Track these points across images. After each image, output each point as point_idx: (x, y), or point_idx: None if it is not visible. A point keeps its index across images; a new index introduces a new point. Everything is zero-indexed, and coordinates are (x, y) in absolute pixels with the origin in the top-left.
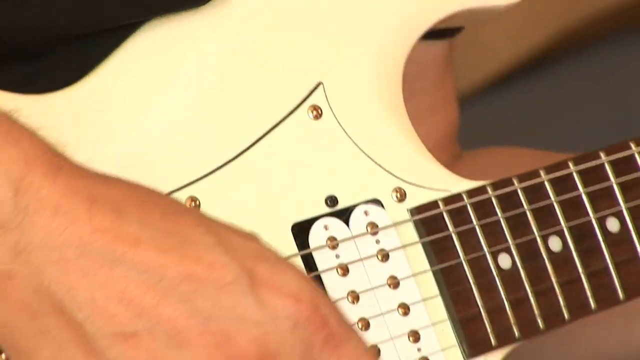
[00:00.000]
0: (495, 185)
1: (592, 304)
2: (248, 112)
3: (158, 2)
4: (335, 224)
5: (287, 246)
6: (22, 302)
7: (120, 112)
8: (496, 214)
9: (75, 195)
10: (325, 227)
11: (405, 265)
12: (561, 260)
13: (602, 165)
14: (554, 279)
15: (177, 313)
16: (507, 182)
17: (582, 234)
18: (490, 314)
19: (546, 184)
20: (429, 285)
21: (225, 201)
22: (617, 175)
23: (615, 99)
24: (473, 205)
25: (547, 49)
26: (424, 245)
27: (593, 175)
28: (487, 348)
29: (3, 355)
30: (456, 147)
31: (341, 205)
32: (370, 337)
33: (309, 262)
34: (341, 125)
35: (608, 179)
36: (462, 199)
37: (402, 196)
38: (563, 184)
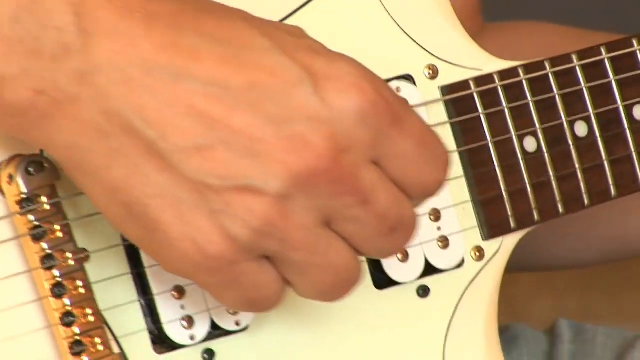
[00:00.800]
0: (527, 68)
1: (613, 191)
2: None
3: None
4: None
5: None
6: (92, 123)
7: None
8: (526, 97)
9: (132, 14)
10: None
11: None
12: (586, 146)
13: (635, 53)
14: (577, 164)
15: (249, 121)
16: (539, 65)
17: (609, 121)
18: (512, 197)
19: (577, 69)
20: (454, 166)
21: None
22: None
23: None
24: (504, 87)
25: None
26: (453, 125)
27: (624, 62)
28: (506, 230)
29: None
30: (479, 18)
31: None
32: None
33: None
34: None
35: (639, 67)
36: (494, 80)
37: (434, 73)
38: (594, 70)
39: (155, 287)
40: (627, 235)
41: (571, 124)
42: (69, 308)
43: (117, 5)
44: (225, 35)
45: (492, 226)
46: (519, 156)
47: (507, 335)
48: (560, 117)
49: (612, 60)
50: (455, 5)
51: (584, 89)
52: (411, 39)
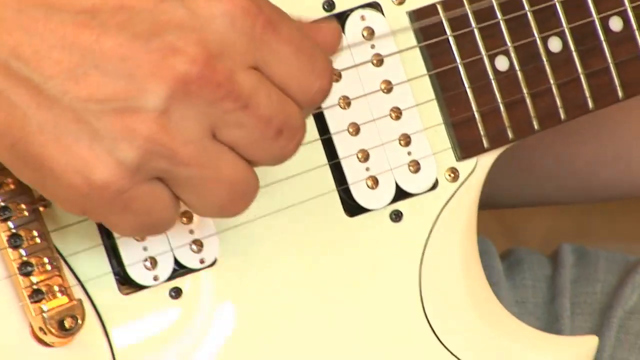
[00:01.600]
0: None
1: (590, 103)
2: None
3: None
4: None
5: None
6: None
7: None
8: (496, 16)
9: None
10: None
11: (400, 71)
12: (561, 60)
13: None
14: (552, 80)
15: (118, 41)
16: None
17: (584, 35)
18: (485, 117)
19: None
20: (424, 90)
21: None
22: None
23: None
24: (474, 10)
25: None
26: (421, 50)
27: None
28: (480, 150)
29: None
30: None
31: (338, 9)
32: (360, 141)
33: None
34: None
35: None
36: (462, 4)
37: None
38: None
39: None
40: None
41: (544, 40)
42: (26, 258)
43: None
44: None
45: (465, 147)
46: (490, 76)
47: (511, 259)
48: (533, 34)
49: None
50: None
51: (557, 4)
52: None
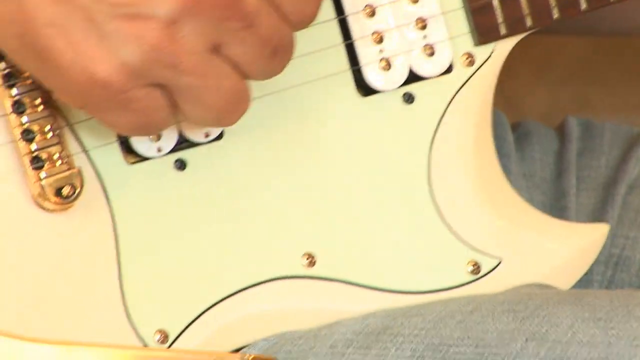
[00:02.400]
0: None
1: None
2: None
3: None
4: None
5: None
6: None
7: None
8: None
9: None
10: None
11: None
12: None
13: None
14: None
15: None
16: None
17: None
18: (503, 3)
19: None
20: None
21: None
22: None
23: None
24: None
25: None
26: None
27: None
28: (497, 36)
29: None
30: None
31: None
32: (375, 23)
33: None
34: None
35: None
36: None
37: None
38: None
39: None
40: None
41: None
42: (28, 125)
43: None
44: None
45: (483, 32)
46: None
47: (519, 132)
48: None
49: None
50: None
51: None
52: None
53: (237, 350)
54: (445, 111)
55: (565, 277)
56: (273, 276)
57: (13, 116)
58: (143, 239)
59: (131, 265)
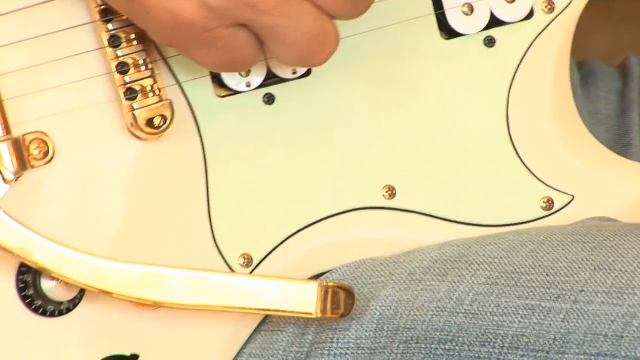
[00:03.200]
0: None
1: None
2: None
3: None
4: None
5: None
6: None
7: None
8: None
9: None
10: None
11: None
12: None
13: None
14: None
15: None
16: None
17: None
18: None
19: None
20: None
21: None
22: None
23: None
24: None
25: None
26: None
27: None
28: None
29: None
30: None
31: None
32: None
33: None
34: None
35: None
36: None
37: None
38: None
39: None
40: None
41: None
42: (123, 58)
43: None
44: None
45: None
46: None
47: (584, 71)
48: None
49: None
50: None
51: None
52: None
53: (317, 276)
54: (524, 55)
55: (634, 214)
56: (354, 206)
57: (109, 49)
58: (231, 168)
59: (219, 192)
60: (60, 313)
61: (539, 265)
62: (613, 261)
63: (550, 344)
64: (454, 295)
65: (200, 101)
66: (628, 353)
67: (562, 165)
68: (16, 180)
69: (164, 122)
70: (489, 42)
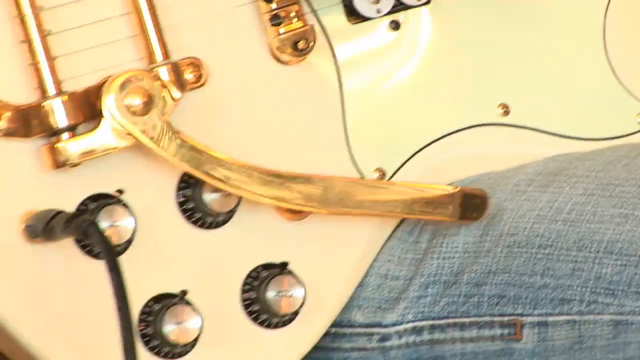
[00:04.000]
0: None
1: None
2: None
3: None
4: None
5: None
6: None
7: None
8: None
9: None
10: None
11: None
12: None
13: None
14: None
15: None
16: None
17: None
18: None
19: None
20: None
21: None
22: None
23: None
24: None
25: None
26: None
27: None
28: None
29: None
30: None
31: None
32: None
33: None
34: None
35: None
36: None
37: None
38: None
39: None
40: None
41: None
42: None
43: None
44: None
45: None
46: None
47: None
48: None
49: None
50: None
51: None
52: None
53: None
54: None
55: None
56: (472, 123)
57: None
58: (363, 89)
59: (353, 110)
60: (217, 225)
61: (632, 178)
62: None
63: None
64: (553, 205)
65: (335, 27)
66: None
67: None
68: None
69: (307, 46)
70: None
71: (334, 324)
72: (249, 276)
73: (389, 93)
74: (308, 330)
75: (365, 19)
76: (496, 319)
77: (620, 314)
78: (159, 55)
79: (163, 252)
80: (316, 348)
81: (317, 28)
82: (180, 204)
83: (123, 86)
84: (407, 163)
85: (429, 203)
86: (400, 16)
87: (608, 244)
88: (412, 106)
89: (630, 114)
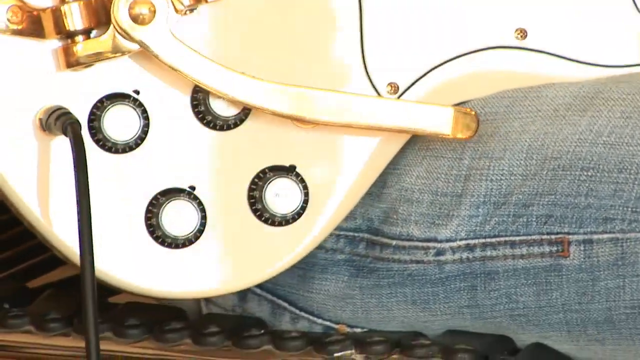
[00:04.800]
0: None
1: None
2: None
3: None
4: None
5: None
6: None
7: None
8: None
9: None
10: None
11: None
12: None
13: None
14: None
15: None
16: None
17: None
18: None
19: None
20: None
21: None
22: None
23: None
24: None
25: None
26: None
27: None
28: None
29: None
30: None
31: None
32: None
33: None
34: None
35: None
36: None
37: None
38: None
39: None
40: None
41: None
42: None
43: None
44: None
45: None
46: None
47: None
48: None
49: None
50: None
51: None
52: None
53: (458, 105)
54: None
55: None
56: (489, 45)
57: None
58: (382, 2)
59: (371, 24)
60: (229, 127)
61: None
62: None
63: None
64: (593, 128)
65: None
66: None
67: None
68: (191, 12)
69: None
70: None
71: (395, 237)
72: (256, 176)
73: (408, 8)
74: (307, 232)
75: None
76: (544, 237)
77: None
78: None
79: (174, 150)
80: (378, 259)
81: None
82: (194, 106)
83: None
84: (421, 79)
85: (428, 120)
86: None
87: None
88: (429, 23)
89: None
